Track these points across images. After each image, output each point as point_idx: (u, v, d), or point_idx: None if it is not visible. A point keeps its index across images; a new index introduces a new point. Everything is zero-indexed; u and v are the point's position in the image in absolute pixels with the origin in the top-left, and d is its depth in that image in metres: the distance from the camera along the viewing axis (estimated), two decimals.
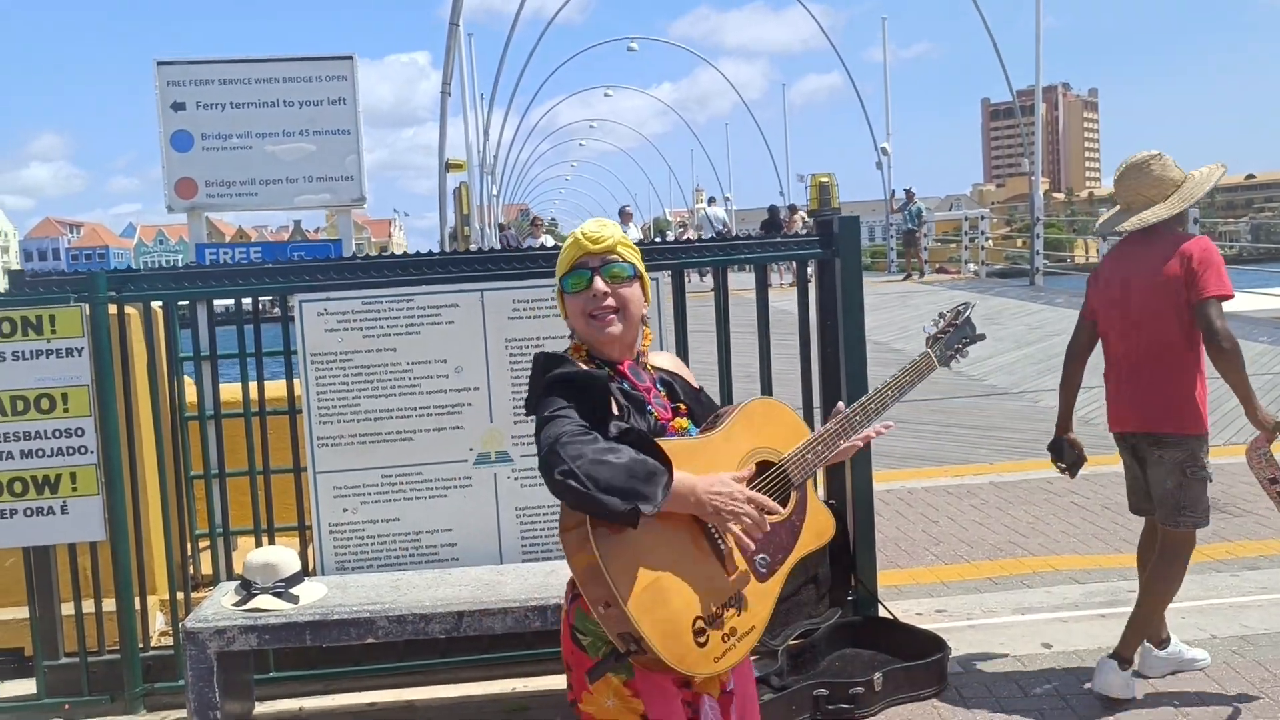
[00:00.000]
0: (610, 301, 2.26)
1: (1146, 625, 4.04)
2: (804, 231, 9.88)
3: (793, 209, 26.20)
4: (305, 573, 4.07)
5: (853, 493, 4.55)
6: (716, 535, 2.17)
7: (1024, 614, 4.87)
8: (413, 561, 4.30)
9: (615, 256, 2.29)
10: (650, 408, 2.29)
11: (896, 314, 17.52)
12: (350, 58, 5.51)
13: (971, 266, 25.64)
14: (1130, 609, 4.81)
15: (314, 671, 4.32)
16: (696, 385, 2.46)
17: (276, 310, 4.61)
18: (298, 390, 4.33)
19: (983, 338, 2.97)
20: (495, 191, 40.20)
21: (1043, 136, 24.16)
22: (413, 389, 4.28)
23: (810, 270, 4.81)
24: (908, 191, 26.83)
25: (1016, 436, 8.67)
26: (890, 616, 4.55)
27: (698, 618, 2.11)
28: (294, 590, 3.91)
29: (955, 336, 2.83)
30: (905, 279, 25.21)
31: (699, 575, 2.13)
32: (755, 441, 2.29)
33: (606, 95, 66.05)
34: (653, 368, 2.40)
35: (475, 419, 4.28)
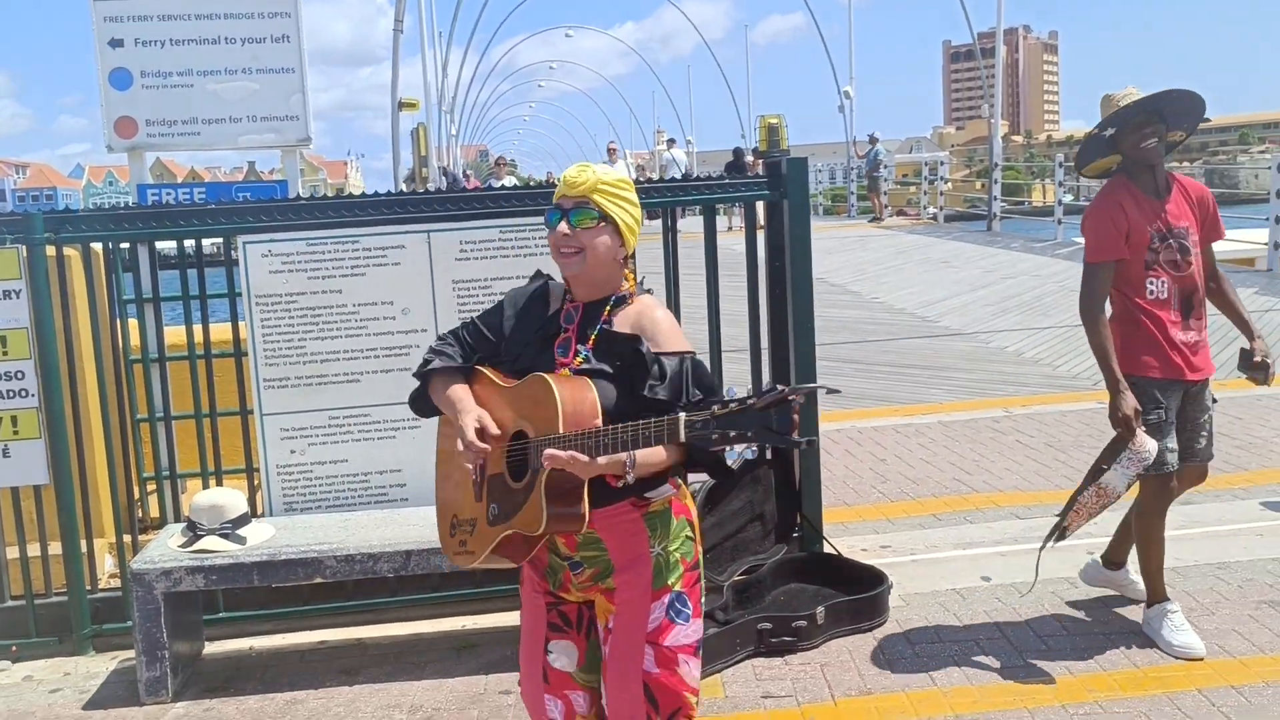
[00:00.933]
0: (572, 243, 2.38)
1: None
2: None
3: (756, 152, 26.10)
4: (253, 514, 4.09)
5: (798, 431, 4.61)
6: (480, 466, 2.44)
7: (965, 549, 4.99)
8: (361, 502, 4.33)
9: (587, 201, 2.38)
10: (558, 346, 2.44)
11: (855, 255, 17.61)
12: None
13: (930, 210, 25.74)
14: (1068, 543, 4.93)
15: (263, 611, 4.34)
16: (647, 351, 2.34)
17: (216, 252, 4.57)
18: (243, 333, 4.30)
19: (801, 444, 2.21)
20: (454, 132, 39.73)
21: (1003, 79, 24.17)
22: (359, 331, 4.27)
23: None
24: (871, 136, 26.84)
25: (967, 377, 8.79)
26: (834, 552, 4.64)
27: (454, 515, 2.56)
28: (241, 531, 3.93)
29: (740, 419, 2.07)
30: (872, 221, 25.31)
31: (463, 488, 2.51)
32: (527, 412, 2.33)
33: (567, 36, 65.23)
34: (608, 316, 2.41)
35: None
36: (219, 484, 4.42)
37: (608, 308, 2.44)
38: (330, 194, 4.74)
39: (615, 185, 2.42)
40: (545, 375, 2.31)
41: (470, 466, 2.42)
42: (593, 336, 2.41)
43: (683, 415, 2.10)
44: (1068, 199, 20.34)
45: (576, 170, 2.42)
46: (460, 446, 2.38)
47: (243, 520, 3.96)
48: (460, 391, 2.48)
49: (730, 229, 17.66)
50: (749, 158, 25.27)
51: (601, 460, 2.18)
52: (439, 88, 30.99)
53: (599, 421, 2.24)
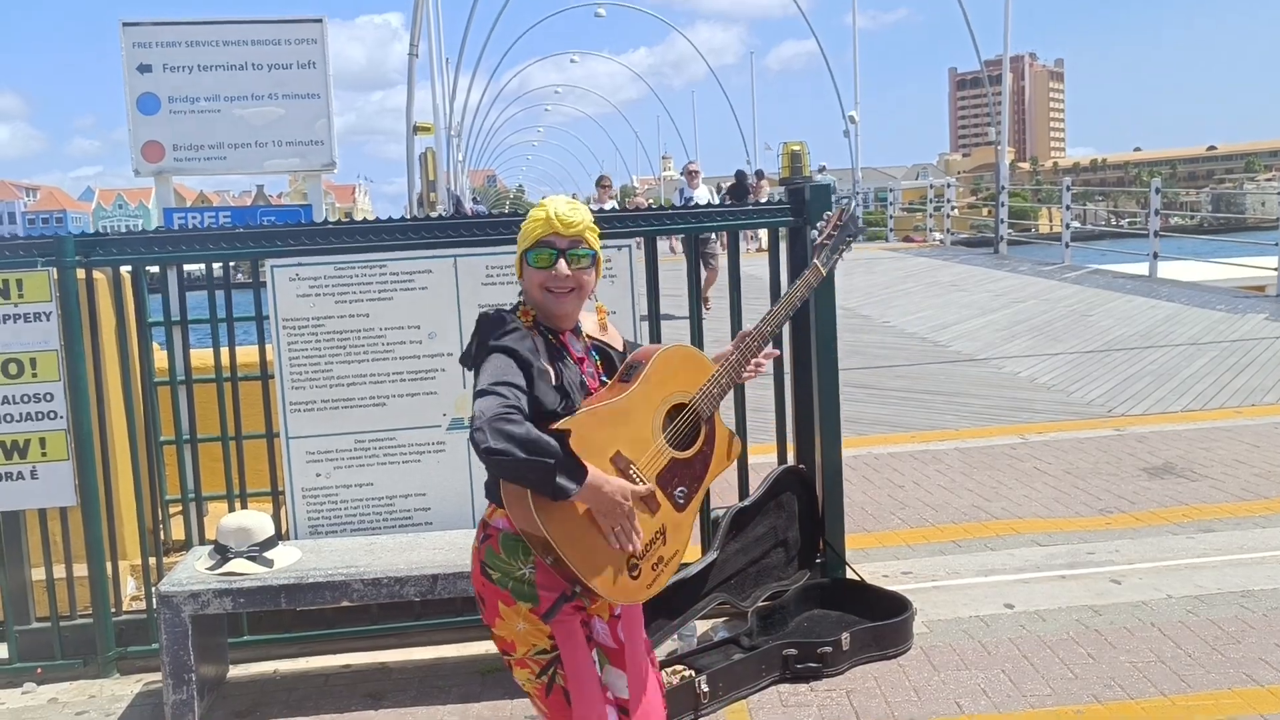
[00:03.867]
0: (569, 282, 2.46)
1: None
2: (771, 197, 9.88)
3: (759, 175, 26.19)
4: (279, 537, 4.09)
5: (822, 459, 4.62)
6: (638, 483, 2.41)
7: (987, 576, 4.98)
8: (386, 526, 4.33)
9: (580, 242, 2.47)
10: (583, 376, 2.49)
11: (860, 280, 17.63)
12: (320, 20, 5.45)
13: (937, 235, 25.80)
14: (1090, 570, 4.94)
15: (288, 635, 4.34)
16: (622, 347, 2.68)
17: (239, 276, 4.60)
18: (270, 356, 4.32)
19: (863, 233, 3.15)
20: (461, 157, 39.91)
21: (1009, 106, 24.27)
22: (386, 354, 4.29)
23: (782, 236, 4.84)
24: (821, 167, 26.89)
25: (981, 403, 8.79)
26: (858, 578, 4.64)
27: (630, 555, 2.40)
28: (268, 554, 3.93)
29: (840, 239, 2.88)
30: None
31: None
32: (668, 388, 2.51)
33: (573, 62, 65.64)
34: (588, 336, 2.60)
35: (448, 384, 4.30)
36: (243, 507, 4.43)
37: (585, 334, 2.61)
38: (337, 218, 4.78)
39: (596, 225, 2.54)
40: (662, 350, 2.53)
41: (643, 481, 2.42)
42: (599, 361, 2.59)
43: (816, 260, 2.80)
44: (1075, 224, 20.38)
45: (569, 209, 2.47)
46: (613, 529, 2.35)
47: (270, 543, 3.96)
48: (589, 473, 2.29)
49: (748, 251, 17.71)
50: (751, 180, 25.35)
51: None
52: (447, 113, 31.16)
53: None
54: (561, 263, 2.43)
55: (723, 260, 14.60)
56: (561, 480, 2.22)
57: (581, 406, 2.41)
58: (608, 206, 15.03)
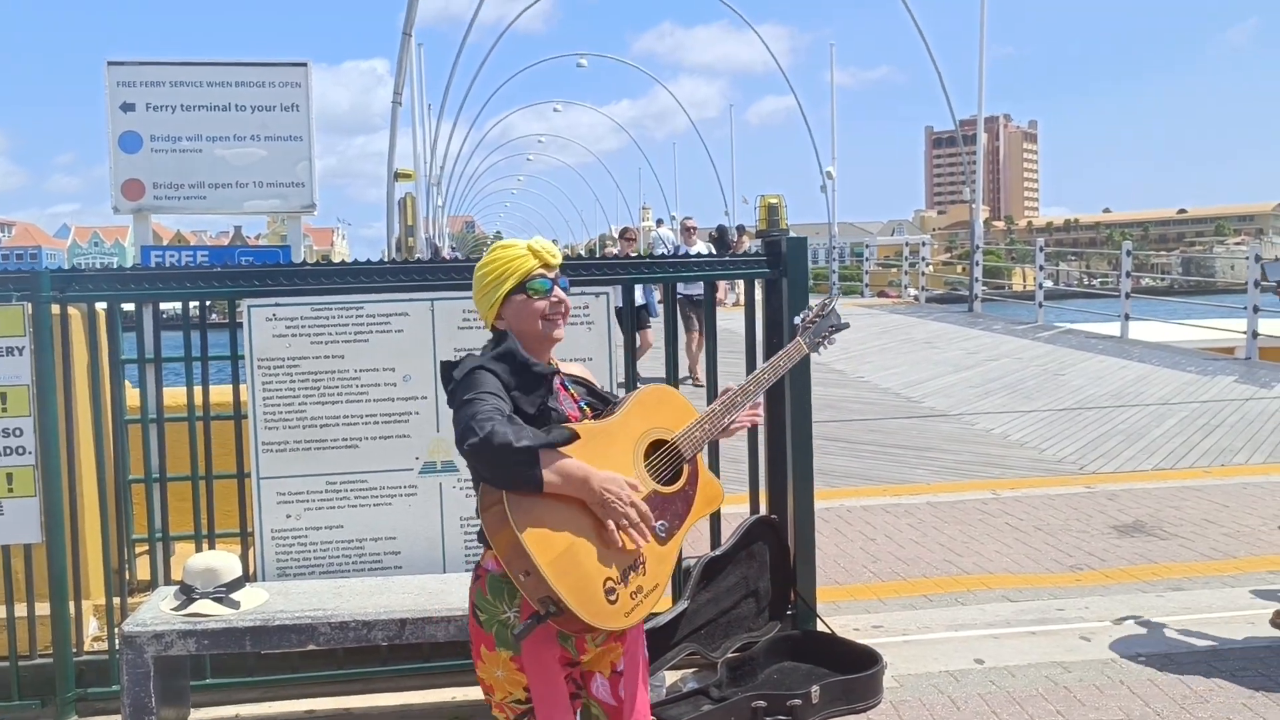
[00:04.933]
0: (565, 308, 2.62)
1: None
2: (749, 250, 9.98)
3: (741, 229, 26.39)
4: (246, 578, 4.05)
5: (794, 510, 4.62)
6: None
7: (957, 630, 4.98)
8: (355, 569, 4.29)
9: (562, 275, 2.66)
10: (563, 401, 2.58)
11: (838, 335, 17.69)
12: (305, 65, 5.49)
13: (912, 291, 26.03)
14: (1059, 626, 4.95)
15: (252, 679, 4.28)
16: (600, 388, 2.79)
17: (214, 316, 4.59)
18: (243, 395, 4.30)
19: (846, 326, 3.30)
20: (441, 203, 40.06)
21: (984, 165, 24.66)
22: (360, 396, 4.28)
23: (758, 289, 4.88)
24: (739, 228, 27.05)
25: (954, 458, 8.83)
26: (828, 631, 4.62)
27: (608, 578, 2.40)
28: (235, 595, 3.88)
29: (822, 326, 3.14)
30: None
31: (606, 543, 2.41)
32: (649, 424, 2.60)
33: (556, 111, 66.19)
34: (566, 374, 2.70)
35: (422, 428, 4.29)
36: (211, 547, 4.38)
37: (558, 367, 2.69)
38: (315, 260, 4.82)
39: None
40: (645, 389, 2.65)
41: (624, 534, 2.41)
42: (573, 391, 2.66)
43: (800, 338, 3.04)
44: (1048, 284, 20.63)
45: (550, 245, 2.65)
46: (615, 522, 2.38)
47: (237, 584, 3.92)
48: (571, 463, 2.37)
49: (725, 304, 17.78)
50: (733, 235, 25.55)
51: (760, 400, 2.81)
52: (427, 160, 31.36)
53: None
54: (558, 290, 2.60)
55: (735, 323, 14.50)
56: (542, 465, 2.29)
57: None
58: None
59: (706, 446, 2.72)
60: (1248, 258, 14.47)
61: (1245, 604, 5.21)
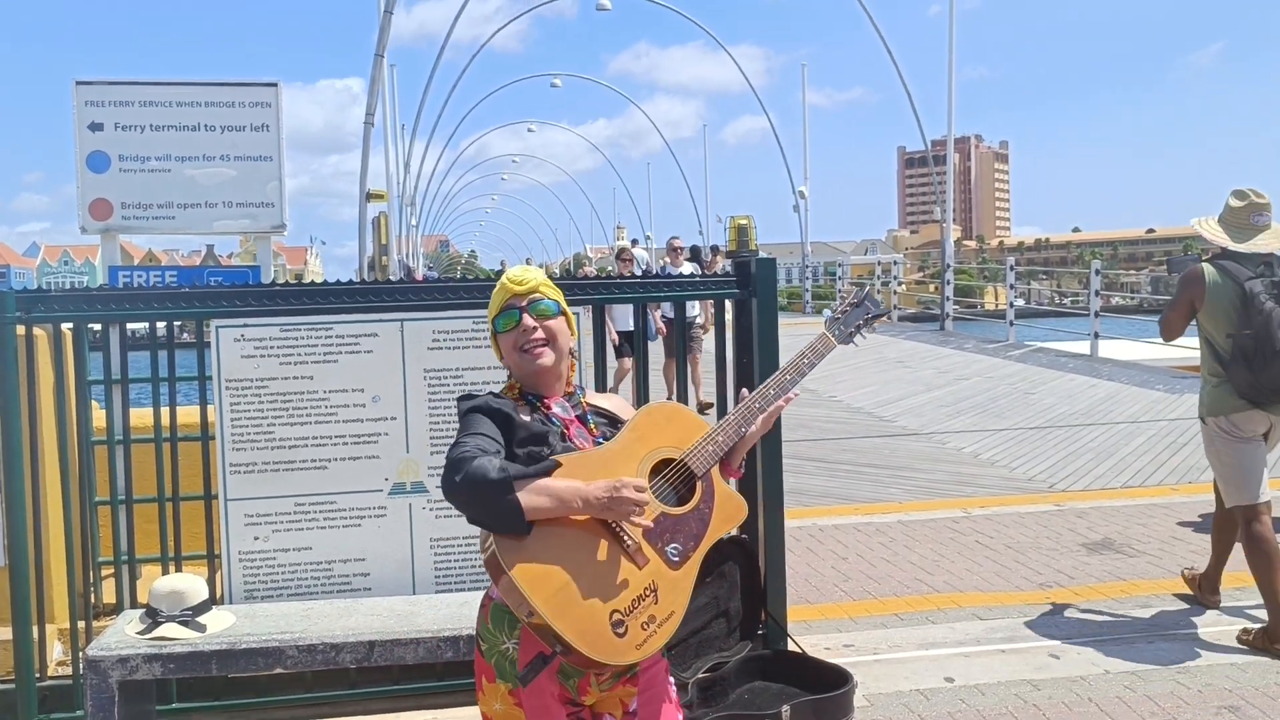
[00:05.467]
0: (539, 334, 2.50)
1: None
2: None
3: (715, 249, 26.49)
4: (213, 601, 4.01)
5: (764, 530, 4.63)
6: (622, 535, 2.33)
7: (928, 649, 4.99)
8: (324, 591, 4.27)
9: (539, 296, 2.53)
10: (571, 440, 2.46)
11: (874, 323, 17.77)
12: (275, 85, 5.49)
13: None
14: (1029, 644, 4.98)
15: (219, 703, 4.24)
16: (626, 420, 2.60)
17: (184, 336, 4.56)
18: (211, 416, 4.28)
19: (885, 314, 3.04)
20: (414, 222, 40.00)
21: (955, 185, 24.90)
22: (329, 417, 4.26)
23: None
24: (713, 248, 27.15)
25: (925, 477, 8.87)
26: (799, 651, 4.63)
27: (614, 610, 2.28)
28: (201, 619, 3.85)
29: (854, 316, 2.92)
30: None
31: (611, 573, 2.31)
32: (654, 443, 2.47)
33: (530, 131, 66.29)
34: (587, 404, 2.59)
35: (391, 449, 4.28)
36: (178, 570, 4.34)
37: (582, 399, 2.60)
38: (288, 280, 4.80)
39: (551, 282, 2.59)
40: (649, 406, 2.53)
41: (629, 536, 2.33)
42: (593, 425, 2.54)
43: (826, 331, 2.81)
44: (1019, 303, 20.82)
45: (520, 271, 2.57)
46: (622, 512, 2.27)
47: (203, 607, 3.88)
48: (558, 483, 2.27)
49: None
50: (706, 255, 25.64)
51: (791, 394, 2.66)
52: (400, 181, 31.34)
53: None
54: (525, 317, 2.49)
55: (708, 342, 14.31)
56: (524, 492, 2.21)
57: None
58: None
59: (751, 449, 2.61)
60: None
61: (1212, 621, 5.25)
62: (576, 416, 2.55)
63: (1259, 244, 4.92)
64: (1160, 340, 5.39)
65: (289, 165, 5.61)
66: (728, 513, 2.52)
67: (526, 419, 2.44)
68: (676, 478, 2.48)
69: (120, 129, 5.36)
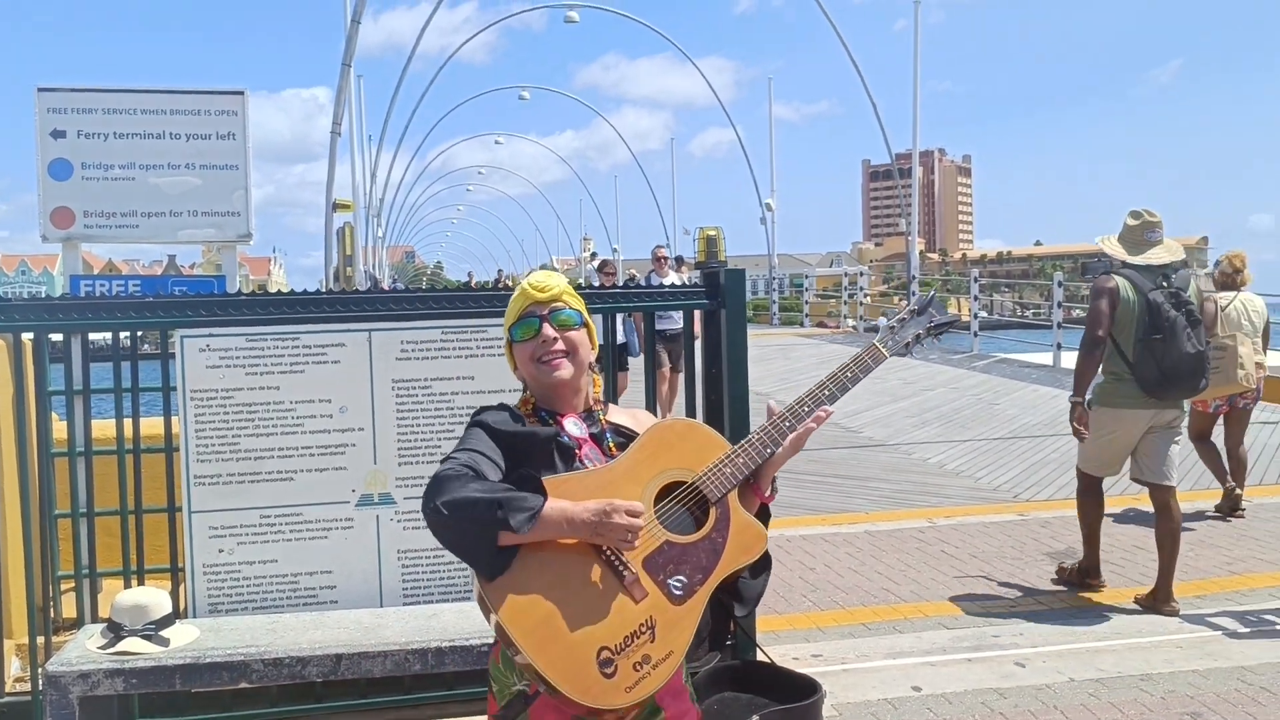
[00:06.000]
0: (560, 345, 2.34)
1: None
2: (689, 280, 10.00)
3: (680, 260, 26.55)
4: (177, 615, 3.96)
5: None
6: (619, 565, 2.15)
7: (896, 658, 5.01)
8: (290, 604, 4.22)
9: (561, 304, 2.37)
10: (582, 461, 2.30)
11: (778, 365, 17.89)
12: (241, 93, 5.45)
13: (850, 322, 26.35)
14: (995, 653, 5.01)
15: (182, 718, 4.17)
16: None
17: (146, 347, 4.51)
18: (175, 428, 4.23)
19: (954, 321, 2.75)
20: (381, 233, 39.82)
21: (919, 198, 25.11)
22: (295, 428, 4.23)
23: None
24: (679, 258, 27.23)
25: (891, 487, 8.92)
26: (768, 660, 4.63)
27: (603, 648, 2.09)
28: (164, 633, 3.80)
29: (915, 323, 2.64)
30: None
31: (602, 606, 2.12)
32: (664, 464, 2.26)
33: (498, 143, 66.16)
34: (606, 421, 2.42)
35: (359, 460, 4.25)
36: (140, 583, 4.28)
37: (601, 417, 2.42)
38: (253, 290, 4.75)
39: (575, 291, 2.44)
40: (661, 423, 2.33)
41: (627, 566, 2.14)
42: (611, 444, 2.37)
43: (876, 341, 2.54)
44: (983, 314, 21.01)
45: (543, 276, 2.39)
46: (611, 536, 2.10)
47: (167, 621, 3.83)
48: (554, 501, 2.09)
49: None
50: (671, 265, 25.65)
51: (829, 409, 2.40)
52: (367, 191, 31.20)
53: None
54: (546, 326, 2.33)
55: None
56: (509, 515, 2.02)
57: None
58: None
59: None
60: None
61: (1174, 628, 5.32)
62: (592, 434, 2.38)
63: (1152, 257, 5.65)
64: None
65: (255, 174, 5.57)
66: (744, 543, 2.28)
67: (534, 435, 2.28)
68: (689, 502, 2.27)
69: (83, 136, 5.30)
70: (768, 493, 2.40)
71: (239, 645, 3.78)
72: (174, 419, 4.24)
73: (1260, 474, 9.16)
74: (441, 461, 2.17)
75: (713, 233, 26.13)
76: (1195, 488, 8.65)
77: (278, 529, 4.21)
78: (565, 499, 2.11)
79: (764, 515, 2.39)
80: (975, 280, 20.35)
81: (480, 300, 4.42)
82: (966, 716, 4.32)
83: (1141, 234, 5.73)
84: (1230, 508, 7.67)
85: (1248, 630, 5.25)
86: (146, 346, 4.80)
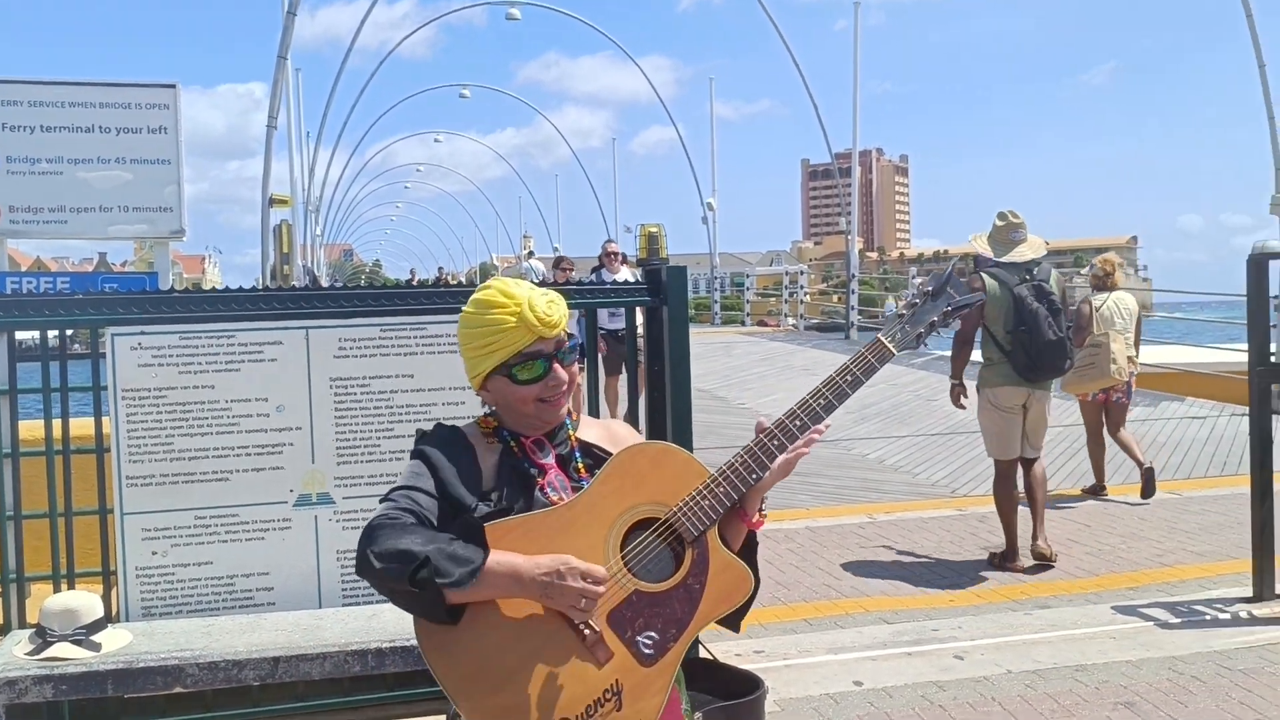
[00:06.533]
0: (567, 385, 2.09)
1: None
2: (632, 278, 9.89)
3: (623, 257, 26.60)
4: (109, 619, 3.87)
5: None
6: (580, 621, 1.94)
7: (837, 653, 5.05)
8: (226, 606, 4.15)
9: (565, 337, 2.09)
10: (544, 491, 2.07)
11: (721, 362, 17.96)
12: (173, 86, 5.33)
13: (790, 320, 26.55)
14: (934, 646, 5.08)
15: None
16: None
17: (76, 347, 4.41)
18: (106, 428, 4.13)
19: (976, 302, 2.39)
20: (318, 231, 39.32)
21: (858, 198, 25.38)
22: (231, 427, 4.15)
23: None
24: (621, 256, 27.31)
25: (832, 483, 9.00)
26: (710, 657, 4.64)
27: (563, 719, 1.88)
28: (95, 637, 3.71)
29: (930, 307, 2.25)
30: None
31: (560, 670, 1.90)
32: (634, 498, 2.00)
33: (437, 141, 65.65)
34: (575, 439, 2.17)
35: (296, 459, 4.18)
36: (71, 587, 4.18)
37: (569, 432, 2.16)
38: (187, 288, 4.66)
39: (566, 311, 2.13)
40: (626, 450, 2.04)
41: (588, 623, 1.93)
42: (581, 466, 2.13)
43: (882, 335, 2.19)
44: None
45: (547, 305, 2.04)
46: (567, 603, 1.88)
47: (98, 626, 3.74)
48: (500, 555, 1.88)
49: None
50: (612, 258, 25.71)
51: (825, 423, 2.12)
52: (305, 186, 30.80)
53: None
54: (558, 368, 2.05)
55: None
56: (444, 575, 1.81)
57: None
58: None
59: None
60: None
61: (1107, 620, 5.42)
62: (558, 457, 2.13)
63: (1016, 254, 6.34)
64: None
65: (188, 170, 5.46)
66: (724, 588, 2.01)
67: (491, 465, 2.07)
68: (655, 543, 2.00)
69: (8, 129, 5.14)
70: (754, 518, 2.14)
71: (173, 649, 3.70)
72: (105, 419, 4.14)
73: (1190, 468, 9.38)
74: (381, 500, 1.99)
75: (654, 229, 26.20)
76: (1127, 482, 8.84)
77: (213, 530, 4.13)
78: (516, 548, 1.90)
79: (751, 544, 2.17)
80: (913, 278, 20.60)
81: (420, 298, 4.37)
82: (906, 710, 4.37)
83: (1007, 234, 6.42)
84: (1146, 488, 8.02)
85: (1178, 621, 5.37)
86: (77, 346, 4.69)
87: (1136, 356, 8.31)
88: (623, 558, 1.97)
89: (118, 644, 3.73)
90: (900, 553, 6.77)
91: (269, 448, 4.17)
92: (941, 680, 4.65)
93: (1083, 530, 7.26)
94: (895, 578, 6.25)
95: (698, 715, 4.06)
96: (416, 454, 2.07)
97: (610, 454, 2.10)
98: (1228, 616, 5.42)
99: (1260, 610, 5.47)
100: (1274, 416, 5.85)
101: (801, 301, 26.41)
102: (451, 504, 2.00)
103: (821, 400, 2.13)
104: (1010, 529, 6.46)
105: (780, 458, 2.09)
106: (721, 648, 4.92)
